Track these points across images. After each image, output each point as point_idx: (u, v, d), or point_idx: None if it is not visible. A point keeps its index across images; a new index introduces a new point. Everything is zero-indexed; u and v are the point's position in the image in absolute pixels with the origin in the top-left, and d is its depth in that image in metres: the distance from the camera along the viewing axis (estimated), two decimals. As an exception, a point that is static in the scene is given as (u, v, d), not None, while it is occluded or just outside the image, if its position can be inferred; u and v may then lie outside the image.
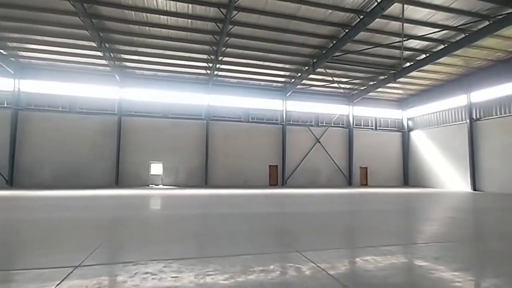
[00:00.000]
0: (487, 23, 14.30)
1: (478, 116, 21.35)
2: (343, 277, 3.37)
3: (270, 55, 18.67)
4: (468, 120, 21.77)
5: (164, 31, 15.99)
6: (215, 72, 21.43)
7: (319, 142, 25.96)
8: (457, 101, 22.91)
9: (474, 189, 21.11)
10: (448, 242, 5.17)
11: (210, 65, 19.97)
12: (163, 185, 22.37)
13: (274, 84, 24.05)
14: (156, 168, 22.62)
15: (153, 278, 3.20)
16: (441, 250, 4.62)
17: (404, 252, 4.55)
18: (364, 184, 26.95)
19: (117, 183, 21.34)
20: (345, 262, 4.02)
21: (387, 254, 4.29)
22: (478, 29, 14.86)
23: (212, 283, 3.11)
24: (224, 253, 4.26)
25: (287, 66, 20.43)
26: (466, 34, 15.48)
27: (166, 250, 4.41)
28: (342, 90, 25.08)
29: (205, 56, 18.88)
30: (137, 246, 4.66)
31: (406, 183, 27.94)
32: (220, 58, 18.82)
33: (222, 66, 20.46)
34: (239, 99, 24.74)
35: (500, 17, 13.51)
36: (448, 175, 23.63)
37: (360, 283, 3.22)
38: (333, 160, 26.18)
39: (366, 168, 27.16)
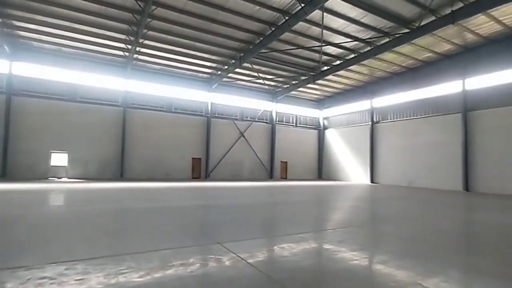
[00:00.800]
0: (388, 39, 16.72)
1: (377, 119, 24.91)
2: (261, 264, 3.53)
3: (197, 44, 18.07)
4: (370, 122, 25.22)
5: (73, 0, 13.87)
6: (135, 56, 19.66)
7: (244, 136, 26.53)
8: (363, 105, 26.25)
9: (372, 182, 24.65)
10: (350, 227, 5.93)
11: (129, 47, 18.22)
12: (68, 178, 19.67)
13: (200, 74, 23.47)
14: (59, 159, 19.69)
15: (51, 283, 2.78)
16: (344, 234, 5.28)
17: (314, 238, 5.03)
18: (284, 178, 28.73)
19: (4, 176, 17.86)
20: (263, 250, 4.23)
21: (300, 241, 4.68)
22: (381, 44, 17.31)
23: (125, 281, 2.88)
24: (140, 250, 4.00)
25: (213, 57, 20.11)
26: (372, 47, 17.84)
27: (70, 251, 3.90)
28: (266, 87, 26.05)
29: (123, 36, 17.08)
30: (31, 248, 3.99)
31: (320, 176, 30.85)
32: (140, 40, 17.31)
33: (143, 50, 18.88)
34: (162, 88, 23.30)
35: (398, 35, 15.97)
36: (353, 170, 27.01)
37: (276, 268, 3.43)
38: (256, 154, 27.12)
39: (286, 162, 28.98)
